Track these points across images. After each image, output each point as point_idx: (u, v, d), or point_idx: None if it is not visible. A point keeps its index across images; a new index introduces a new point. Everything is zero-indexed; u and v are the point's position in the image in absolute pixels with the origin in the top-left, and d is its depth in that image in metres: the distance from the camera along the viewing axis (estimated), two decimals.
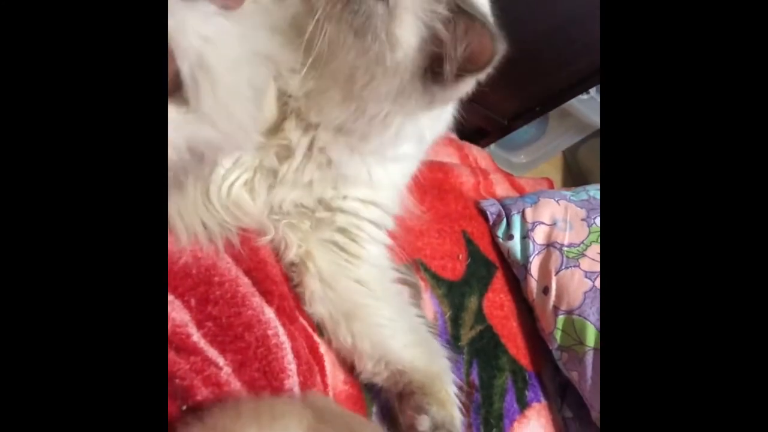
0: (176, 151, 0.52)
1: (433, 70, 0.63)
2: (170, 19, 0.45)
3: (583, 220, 1.09)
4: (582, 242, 1.05)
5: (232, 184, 0.67)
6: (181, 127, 0.51)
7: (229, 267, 0.67)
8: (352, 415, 0.68)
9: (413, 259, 0.95)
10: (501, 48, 0.61)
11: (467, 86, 0.67)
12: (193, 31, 0.48)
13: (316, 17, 0.60)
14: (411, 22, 0.60)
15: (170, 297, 0.61)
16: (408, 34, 0.61)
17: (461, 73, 0.62)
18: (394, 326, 0.74)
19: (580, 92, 1.39)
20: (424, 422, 0.67)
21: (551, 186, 1.44)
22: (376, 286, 0.75)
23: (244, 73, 0.55)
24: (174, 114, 0.50)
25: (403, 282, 0.83)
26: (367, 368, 0.72)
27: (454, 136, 1.29)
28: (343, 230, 0.74)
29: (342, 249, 0.74)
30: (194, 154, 0.53)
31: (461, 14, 0.60)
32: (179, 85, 0.50)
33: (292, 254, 0.72)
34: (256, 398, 0.60)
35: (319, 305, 0.73)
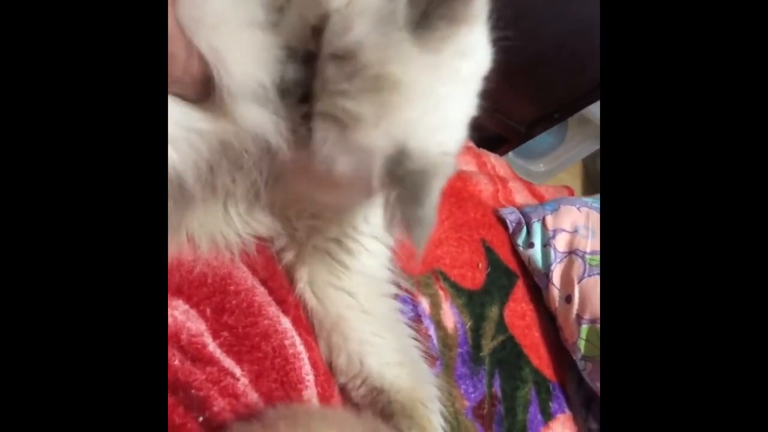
0: (207, 152, 0.51)
1: None
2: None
3: None
4: None
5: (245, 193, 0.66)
6: (210, 129, 0.50)
7: (245, 276, 0.66)
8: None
9: (432, 268, 0.94)
10: (417, 235, 0.54)
11: None
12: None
13: None
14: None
15: (185, 306, 0.60)
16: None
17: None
18: (377, 342, 0.70)
19: (597, 98, 1.37)
20: None
21: (571, 194, 1.42)
22: (365, 298, 0.72)
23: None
24: (204, 121, 0.50)
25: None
26: (340, 382, 0.69)
27: (471, 144, 1.28)
28: (336, 241, 0.71)
29: (333, 258, 0.71)
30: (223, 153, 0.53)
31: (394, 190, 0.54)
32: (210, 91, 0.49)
33: (286, 260, 0.70)
34: (318, 407, 0.61)
35: (311, 315, 0.70)
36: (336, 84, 0.50)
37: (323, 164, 0.53)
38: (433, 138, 0.54)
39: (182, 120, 0.49)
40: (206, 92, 0.49)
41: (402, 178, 0.52)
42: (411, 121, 0.52)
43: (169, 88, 0.47)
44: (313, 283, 0.70)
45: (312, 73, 0.52)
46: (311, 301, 0.70)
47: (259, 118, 0.52)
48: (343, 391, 0.69)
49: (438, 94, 0.53)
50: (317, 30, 0.51)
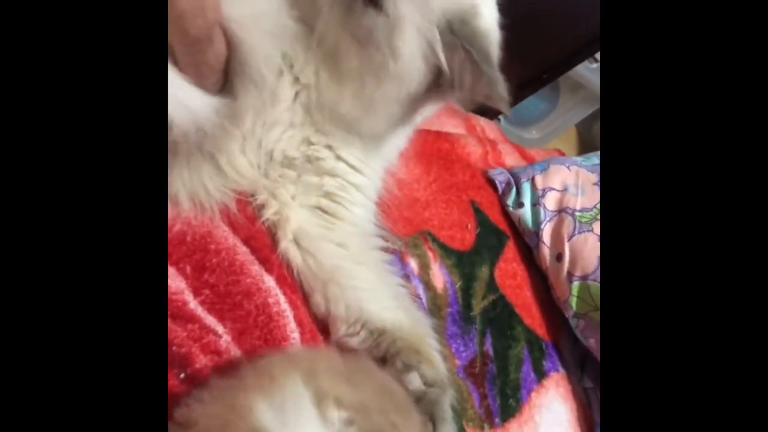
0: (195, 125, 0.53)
1: (438, 81, 0.65)
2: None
3: (594, 184, 1.06)
4: (594, 206, 1.02)
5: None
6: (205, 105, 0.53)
7: (225, 235, 0.66)
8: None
9: (420, 230, 0.93)
10: (500, 92, 0.61)
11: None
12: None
13: (320, 21, 0.62)
14: (412, 35, 0.60)
15: None
16: (409, 47, 0.61)
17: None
18: (373, 290, 0.70)
19: (588, 56, 1.35)
20: (414, 380, 0.62)
21: (562, 156, 1.41)
22: (357, 249, 0.72)
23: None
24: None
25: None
26: (341, 331, 0.68)
27: (460, 107, 1.26)
28: (329, 194, 0.72)
29: (325, 212, 0.71)
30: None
31: (462, 50, 0.61)
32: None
33: (266, 218, 0.69)
34: (257, 360, 0.59)
35: (298, 272, 0.70)
36: None
37: (388, 29, 0.59)
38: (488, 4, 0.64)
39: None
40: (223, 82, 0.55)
41: (469, 36, 0.60)
42: None
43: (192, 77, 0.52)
44: (300, 239, 0.69)
45: None
46: (296, 258, 0.69)
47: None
48: (340, 343, 0.69)
49: None
50: None
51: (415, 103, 0.70)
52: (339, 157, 0.71)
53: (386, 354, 0.66)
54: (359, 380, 0.53)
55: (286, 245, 0.69)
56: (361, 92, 0.65)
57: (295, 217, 0.70)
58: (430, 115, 0.83)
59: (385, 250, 0.78)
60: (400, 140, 0.83)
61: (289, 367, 0.50)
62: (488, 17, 0.66)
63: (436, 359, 0.68)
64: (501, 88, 0.62)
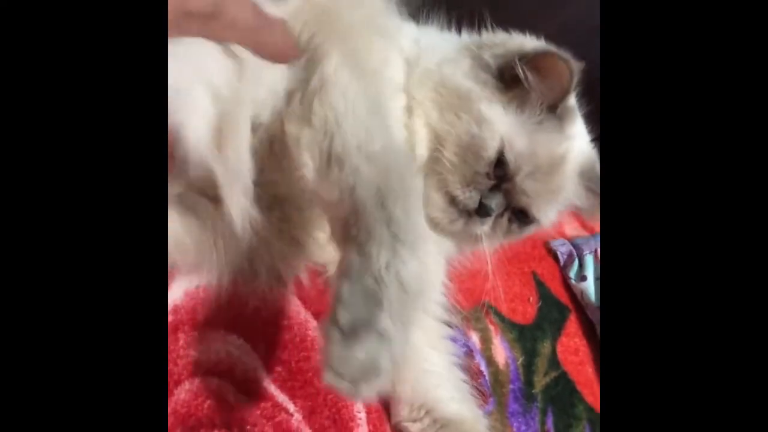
0: None
1: None
2: None
3: None
4: None
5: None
6: None
7: (297, 310, 0.66)
8: None
9: (482, 302, 0.92)
10: (574, 65, 0.68)
11: None
12: None
13: None
14: None
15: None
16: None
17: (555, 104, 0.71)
18: (442, 376, 0.69)
19: None
20: None
21: None
22: (431, 334, 0.72)
23: None
24: None
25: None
26: (403, 414, 0.67)
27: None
28: None
29: None
30: None
31: (522, 58, 0.69)
32: None
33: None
34: None
35: None
36: (529, 186, 0.70)
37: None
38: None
39: None
40: None
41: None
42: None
43: None
44: None
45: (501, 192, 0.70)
46: None
47: None
48: (399, 428, 0.68)
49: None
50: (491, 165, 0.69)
51: None
52: None
53: None
54: None
55: None
56: None
57: None
58: None
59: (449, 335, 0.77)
60: None
61: None
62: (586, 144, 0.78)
63: None
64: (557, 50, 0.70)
